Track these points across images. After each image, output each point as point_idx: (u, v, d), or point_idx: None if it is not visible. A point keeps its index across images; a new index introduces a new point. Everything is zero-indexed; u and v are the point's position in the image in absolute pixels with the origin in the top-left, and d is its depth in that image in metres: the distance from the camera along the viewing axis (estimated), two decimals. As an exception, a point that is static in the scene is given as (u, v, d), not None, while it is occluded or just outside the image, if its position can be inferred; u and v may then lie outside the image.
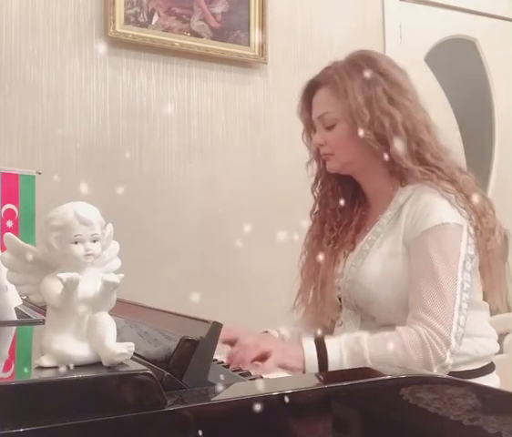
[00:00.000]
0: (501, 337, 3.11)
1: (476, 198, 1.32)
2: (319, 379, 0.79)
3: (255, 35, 2.55)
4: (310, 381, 0.76)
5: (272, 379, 0.92)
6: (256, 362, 1.14)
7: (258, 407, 0.66)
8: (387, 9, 2.91)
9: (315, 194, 1.55)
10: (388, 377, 0.77)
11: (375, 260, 1.35)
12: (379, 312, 1.33)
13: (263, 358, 1.16)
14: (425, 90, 3.10)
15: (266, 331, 1.51)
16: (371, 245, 1.37)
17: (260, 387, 0.78)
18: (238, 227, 2.50)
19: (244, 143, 2.57)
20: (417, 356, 1.19)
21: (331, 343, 1.21)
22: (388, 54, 2.86)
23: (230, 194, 2.50)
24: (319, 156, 1.49)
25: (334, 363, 1.18)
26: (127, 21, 2.34)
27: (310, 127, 1.50)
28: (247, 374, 1.02)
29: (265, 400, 0.67)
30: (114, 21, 2.31)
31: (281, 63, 2.64)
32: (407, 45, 2.94)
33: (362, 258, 1.38)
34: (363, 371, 0.91)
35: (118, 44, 2.35)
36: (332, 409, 0.70)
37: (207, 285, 2.36)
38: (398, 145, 1.32)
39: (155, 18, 2.40)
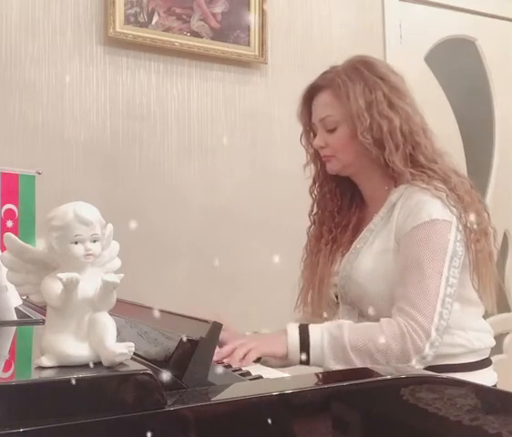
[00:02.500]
0: (501, 337, 3.12)
1: (468, 199, 1.35)
2: (319, 379, 0.79)
3: (255, 35, 2.55)
4: (310, 381, 0.76)
5: (272, 379, 0.92)
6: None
7: (258, 407, 0.66)
8: (387, 9, 2.91)
9: (313, 196, 1.58)
10: (388, 377, 0.77)
11: (368, 256, 1.39)
12: (372, 307, 1.36)
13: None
14: (425, 90, 3.11)
15: (255, 332, 1.55)
16: (364, 242, 1.41)
17: (260, 387, 0.78)
18: (238, 226, 2.50)
19: (244, 143, 2.57)
20: (396, 346, 1.22)
21: (313, 327, 1.27)
22: (388, 54, 2.87)
23: (230, 194, 2.50)
24: (317, 158, 1.53)
25: (316, 346, 1.24)
26: (127, 21, 2.34)
27: (309, 130, 1.53)
28: (247, 374, 1.02)
29: (265, 400, 0.67)
30: (114, 21, 2.31)
31: (281, 63, 2.64)
32: (407, 45, 2.94)
33: (356, 254, 1.42)
34: (364, 371, 0.91)
35: (118, 44, 2.35)
36: (332, 409, 0.70)
37: (207, 285, 2.36)
38: (393, 149, 1.36)
39: (155, 18, 2.40)
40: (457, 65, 3.14)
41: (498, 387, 0.95)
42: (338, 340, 1.24)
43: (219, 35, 2.51)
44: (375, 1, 2.90)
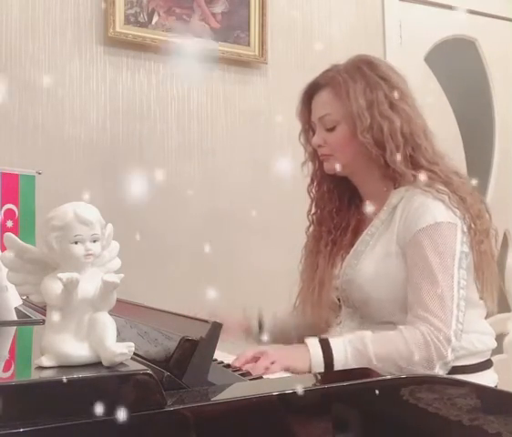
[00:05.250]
0: (501, 337, 3.11)
1: (471, 200, 1.34)
2: (319, 379, 0.79)
3: (255, 35, 2.55)
4: (310, 381, 0.76)
5: (272, 379, 0.92)
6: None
7: (258, 407, 0.66)
8: (387, 9, 2.91)
9: (311, 195, 1.56)
10: (388, 377, 0.77)
11: (370, 260, 1.37)
12: (375, 311, 1.35)
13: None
14: (425, 90, 3.10)
15: (243, 310, 1.58)
16: (366, 245, 1.39)
17: (260, 387, 0.78)
18: (238, 226, 2.50)
19: (244, 143, 2.57)
20: (420, 354, 1.20)
21: (335, 342, 1.23)
22: (388, 54, 2.87)
23: (229, 194, 2.50)
24: (315, 157, 1.51)
25: (340, 362, 1.21)
26: (127, 21, 2.34)
27: (308, 128, 1.51)
28: (247, 374, 1.02)
29: (265, 400, 0.67)
30: (114, 21, 2.31)
31: (281, 63, 2.64)
32: (407, 45, 2.94)
33: (357, 258, 1.40)
34: (363, 371, 0.91)
35: (118, 44, 2.35)
36: (332, 409, 0.70)
37: (206, 284, 2.36)
38: (393, 150, 1.34)
39: (155, 18, 2.40)
40: (457, 65, 3.14)
41: (498, 387, 0.95)
42: (363, 354, 1.21)
43: (219, 35, 2.51)
44: (375, 1, 2.90)
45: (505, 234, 3.25)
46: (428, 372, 1.20)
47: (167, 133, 2.44)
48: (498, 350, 3.16)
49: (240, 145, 2.56)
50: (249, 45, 2.55)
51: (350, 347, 1.22)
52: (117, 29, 2.32)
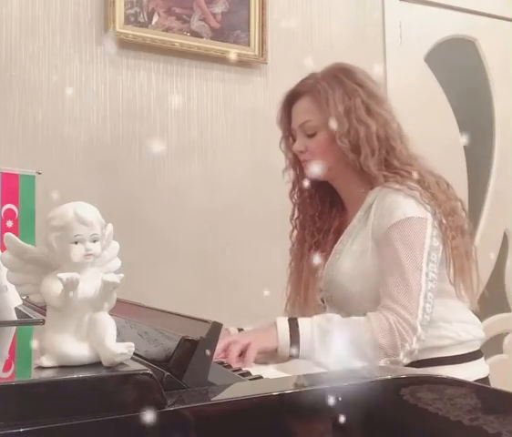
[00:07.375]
0: (501, 337, 3.12)
1: (443, 197, 1.39)
2: (319, 379, 0.79)
3: (255, 35, 2.55)
4: (310, 381, 0.76)
5: (272, 379, 0.92)
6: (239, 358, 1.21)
7: (258, 407, 0.66)
8: (387, 9, 2.91)
9: (293, 200, 1.61)
10: (388, 377, 0.77)
11: (348, 258, 1.42)
12: (356, 308, 1.39)
13: (244, 351, 1.22)
14: (425, 90, 3.10)
15: (226, 329, 1.55)
16: (344, 244, 1.45)
17: (260, 387, 0.78)
18: (237, 226, 2.50)
19: (244, 143, 2.57)
20: (385, 339, 1.25)
21: (303, 321, 1.29)
22: (388, 54, 2.87)
23: (229, 194, 2.50)
24: (296, 163, 1.56)
25: (306, 340, 1.26)
26: (127, 21, 2.34)
27: (288, 136, 1.56)
28: (247, 374, 1.02)
29: (265, 400, 0.67)
30: (114, 21, 2.31)
31: (281, 63, 2.64)
32: (407, 45, 2.94)
33: (336, 257, 1.46)
34: (363, 372, 0.91)
35: (118, 44, 2.35)
36: (332, 409, 0.70)
37: (207, 284, 2.36)
38: (368, 154, 1.39)
39: (155, 18, 2.40)
40: (457, 65, 3.14)
41: (496, 385, 0.95)
42: (328, 335, 1.26)
43: (219, 35, 2.51)
44: (375, 1, 2.90)
45: (505, 234, 3.25)
46: (392, 359, 1.25)
47: (167, 133, 2.44)
48: (498, 350, 3.16)
49: (240, 145, 2.56)
50: (249, 45, 2.55)
51: (317, 327, 1.27)
52: (117, 29, 2.32)
